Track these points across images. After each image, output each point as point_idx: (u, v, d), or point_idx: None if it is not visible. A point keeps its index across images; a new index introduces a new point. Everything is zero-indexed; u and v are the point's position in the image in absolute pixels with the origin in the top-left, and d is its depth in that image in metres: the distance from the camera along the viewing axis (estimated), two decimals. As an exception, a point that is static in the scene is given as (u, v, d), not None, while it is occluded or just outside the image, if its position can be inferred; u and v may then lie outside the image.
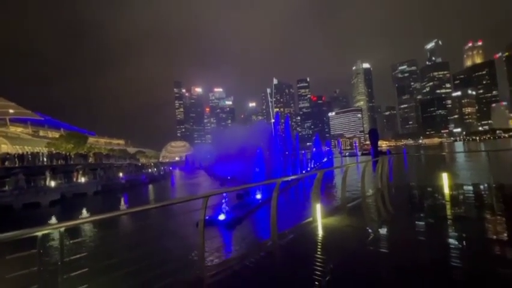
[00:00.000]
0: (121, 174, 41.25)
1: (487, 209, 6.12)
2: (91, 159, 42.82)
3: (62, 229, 2.31)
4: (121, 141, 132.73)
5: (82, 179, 32.30)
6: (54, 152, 42.76)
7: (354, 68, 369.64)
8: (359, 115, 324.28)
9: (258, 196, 19.01)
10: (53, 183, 27.35)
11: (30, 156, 33.93)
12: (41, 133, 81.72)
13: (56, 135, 70.80)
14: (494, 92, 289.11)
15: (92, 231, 12.55)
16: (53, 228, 2.27)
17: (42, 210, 22.49)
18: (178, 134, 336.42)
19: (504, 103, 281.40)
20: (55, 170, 30.27)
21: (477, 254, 3.77)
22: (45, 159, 34.75)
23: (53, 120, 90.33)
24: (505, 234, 4.51)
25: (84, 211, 16.19)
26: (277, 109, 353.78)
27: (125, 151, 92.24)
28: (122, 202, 22.39)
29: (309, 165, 45.14)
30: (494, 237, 4.44)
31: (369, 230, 5.20)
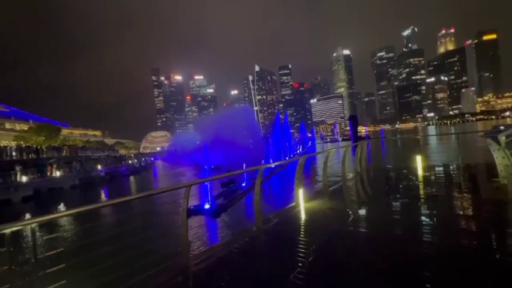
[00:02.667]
0: (99, 167, 39.66)
1: (455, 188, 6.59)
2: (65, 152, 40.58)
3: (34, 225, 2.18)
4: (98, 133, 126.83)
5: (57, 173, 30.71)
6: (23, 145, 40.04)
7: (335, 54, 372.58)
8: (340, 101, 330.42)
9: (243, 184, 19.16)
10: (24, 179, 25.75)
11: (-4, 151, 31.54)
12: (7, 125, 75.82)
13: (25, 127, 65.89)
14: (464, 78, 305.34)
15: (71, 226, 12.11)
16: (23, 224, 2.13)
17: (13, 208, 21.27)
18: (159, 124, 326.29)
19: (473, 88, 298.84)
20: (26, 164, 28.43)
21: (445, 229, 4.08)
22: (14, 153, 32.45)
23: (20, 112, 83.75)
24: (470, 210, 4.90)
25: (61, 206, 15.51)
26: (260, 96, 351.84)
27: (103, 142, 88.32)
28: (103, 195, 21.70)
29: (298, 148, 53.50)
30: (461, 212, 4.80)
31: (350, 212, 5.43)
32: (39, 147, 38.42)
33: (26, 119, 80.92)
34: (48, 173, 29.99)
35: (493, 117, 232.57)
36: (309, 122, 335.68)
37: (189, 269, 3.34)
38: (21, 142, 46.36)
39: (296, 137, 78.11)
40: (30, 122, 74.76)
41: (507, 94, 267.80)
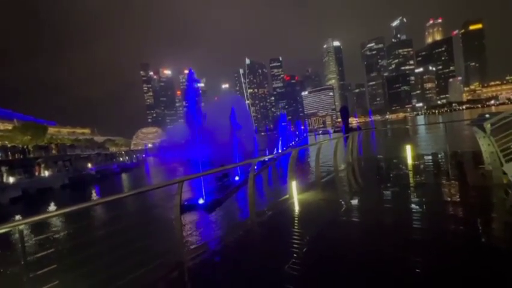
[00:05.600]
0: (89, 165, 38.92)
1: (443, 175, 6.77)
2: (53, 151, 39.57)
3: (22, 226, 2.12)
4: (87, 130, 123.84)
5: (46, 173, 29.99)
6: (8, 145, 38.79)
7: (325, 46, 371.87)
8: (331, 93, 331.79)
9: (237, 178, 19.19)
10: (11, 179, 25.07)
11: (-21, 152, 30.47)
12: (-10, 125, 73.07)
13: (9, 126, 63.67)
14: (452, 68, 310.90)
15: (62, 226, 11.91)
16: (9, 227, 2.07)
17: (1, 209, 20.72)
18: (149, 120, 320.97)
19: (459, 78, 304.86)
20: (12, 164, 27.62)
21: (434, 215, 4.21)
22: (-2, 153, 31.43)
23: (3, 111, 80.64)
24: (458, 196, 5.05)
25: (51, 207, 15.20)
26: (251, 90, 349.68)
27: (92, 140, 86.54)
28: (94, 194, 21.36)
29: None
30: (449, 199, 4.95)
31: (342, 202, 5.52)
32: (25, 146, 37.31)
33: (10, 118, 78.01)
34: (37, 173, 29.26)
35: (479, 105, 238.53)
36: (301, 114, 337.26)
37: (184, 264, 3.34)
38: (6, 142, 44.89)
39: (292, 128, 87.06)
40: (15, 121, 72.12)
41: (492, 83, 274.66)
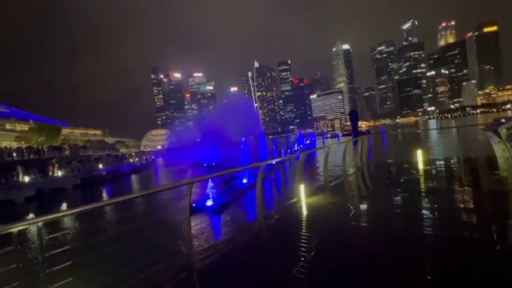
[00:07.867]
0: (100, 166, 39.76)
1: (456, 181, 6.60)
2: (66, 152, 40.72)
3: (40, 224, 2.21)
4: (98, 132, 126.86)
5: (59, 173, 30.81)
6: (24, 145, 40.16)
7: (334, 49, 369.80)
8: (340, 97, 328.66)
9: (244, 180, 19.22)
10: (26, 179, 25.88)
11: (-3, 152, 31.66)
12: (8, 126, 75.86)
13: (25, 127, 66.07)
14: (465, 71, 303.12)
15: (75, 225, 12.20)
16: (29, 223, 2.16)
17: (17, 208, 21.39)
18: (159, 122, 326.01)
19: (473, 81, 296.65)
20: (28, 164, 28.55)
21: (447, 222, 4.11)
22: (15, 153, 32.59)
23: (20, 112, 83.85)
24: (471, 203, 4.91)
25: (64, 206, 15.59)
26: (260, 93, 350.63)
27: (103, 142, 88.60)
28: (105, 194, 21.79)
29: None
30: (462, 205, 4.82)
31: (351, 207, 5.45)
32: (40, 147, 38.56)
33: (27, 119, 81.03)
34: (50, 173, 30.10)
35: (494, 110, 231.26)
36: (309, 117, 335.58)
37: (193, 265, 3.38)
38: (22, 142, 46.50)
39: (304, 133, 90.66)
40: (31, 122, 74.83)
41: (508, 86, 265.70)
